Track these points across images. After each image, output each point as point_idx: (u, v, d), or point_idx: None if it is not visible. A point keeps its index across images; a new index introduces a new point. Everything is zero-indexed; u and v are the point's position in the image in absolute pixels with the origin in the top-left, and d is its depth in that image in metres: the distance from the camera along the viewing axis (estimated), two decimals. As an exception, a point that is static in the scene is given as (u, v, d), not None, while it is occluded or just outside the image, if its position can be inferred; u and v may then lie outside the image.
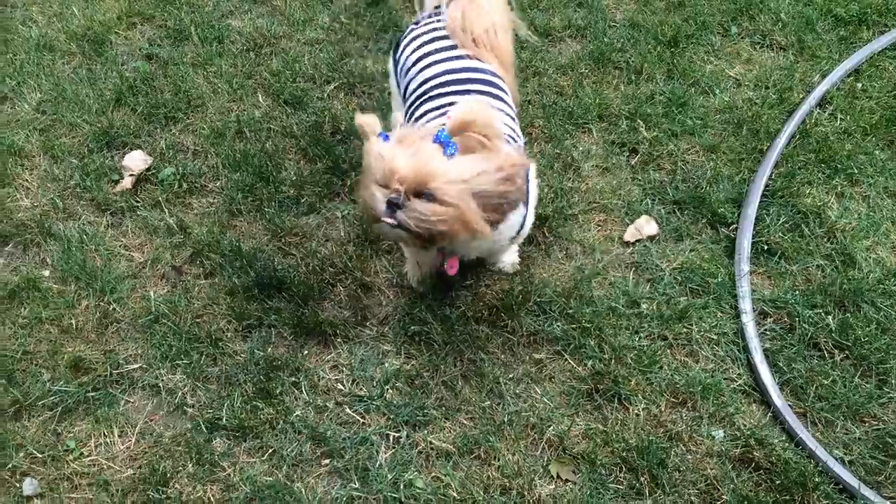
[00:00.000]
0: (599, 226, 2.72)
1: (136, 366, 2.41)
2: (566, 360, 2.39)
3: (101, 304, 2.55)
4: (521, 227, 2.32)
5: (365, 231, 2.69)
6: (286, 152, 2.97)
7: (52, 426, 2.28)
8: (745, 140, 2.89)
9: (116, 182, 2.90)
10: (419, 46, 2.44)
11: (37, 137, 3.05)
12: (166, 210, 2.80)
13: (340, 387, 2.35)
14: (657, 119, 2.96)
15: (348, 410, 2.30)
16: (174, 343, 2.43)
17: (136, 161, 2.92)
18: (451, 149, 1.93)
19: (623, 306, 2.47)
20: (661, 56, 3.17)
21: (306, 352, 2.43)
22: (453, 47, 2.40)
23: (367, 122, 1.99)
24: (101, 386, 2.37)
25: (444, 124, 1.98)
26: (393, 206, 1.92)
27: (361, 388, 2.34)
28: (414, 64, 2.42)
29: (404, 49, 2.48)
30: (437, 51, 2.41)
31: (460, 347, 2.41)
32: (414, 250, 2.41)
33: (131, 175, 2.88)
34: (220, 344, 2.44)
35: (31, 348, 2.45)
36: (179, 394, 2.34)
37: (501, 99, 2.37)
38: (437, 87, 2.38)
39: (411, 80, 2.44)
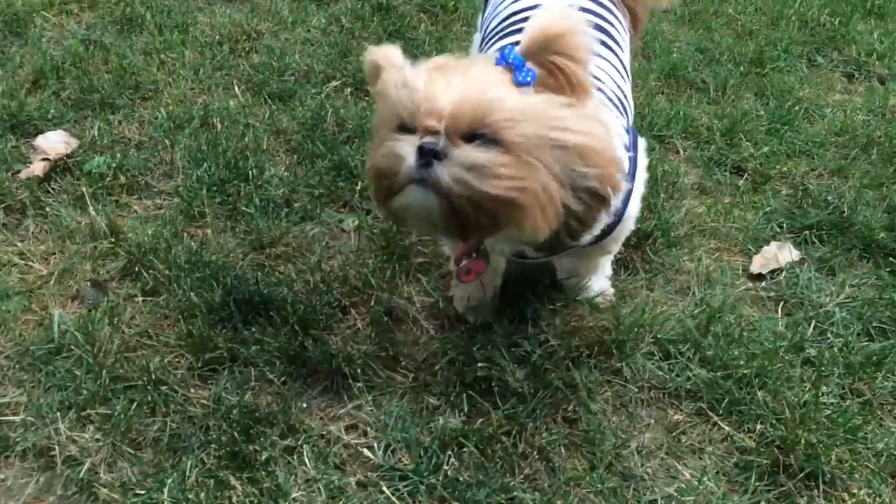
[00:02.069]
0: (712, 253, 1.96)
1: (15, 418, 1.43)
2: (716, 423, 1.53)
3: (-30, 328, 1.59)
4: (618, 222, 1.48)
5: (388, 241, 1.84)
6: (273, 151, 2.14)
7: None
8: (877, 164, 2.24)
9: (18, 171, 2.00)
10: None
11: (-90, 118, 2.15)
12: (91, 207, 1.90)
13: (368, 455, 1.41)
14: (761, 137, 2.30)
15: (385, 491, 1.35)
16: (86, 385, 1.47)
17: (52, 143, 2.04)
18: (524, 74, 1.21)
19: (783, 351, 1.66)
20: (746, 77, 2.57)
21: (305, 403, 1.50)
22: None
23: (384, 54, 1.30)
24: (-51, 450, 1.37)
25: (515, 42, 1.26)
26: (428, 156, 1.17)
27: (401, 458, 1.42)
28: None
29: None
30: None
31: (553, 399, 1.53)
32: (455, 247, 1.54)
33: (44, 159, 1.99)
34: (164, 388, 1.49)
35: None
36: (87, 464, 1.35)
37: (608, 47, 1.65)
38: (522, 21, 1.64)
39: (496, 14, 1.71)
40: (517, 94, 1.20)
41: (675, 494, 1.40)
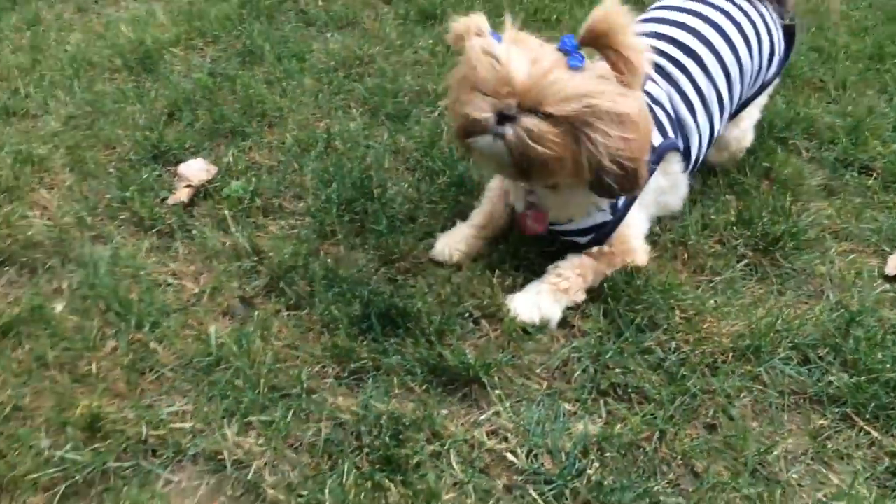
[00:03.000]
0: (845, 256, 1.93)
1: (185, 425, 1.54)
2: (863, 429, 1.51)
3: (136, 343, 1.72)
4: (617, 222, 1.80)
5: (515, 253, 1.89)
6: (394, 169, 2.23)
7: (44, 516, 1.39)
8: None
9: (165, 198, 2.14)
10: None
11: (63, 152, 2.33)
12: (234, 229, 2.02)
13: (512, 459, 1.46)
14: (889, 135, 2.24)
15: (532, 493, 1.39)
16: (246, 394, 1.57)
17: (195, 170, 2.18)
18: (575, 60, 1.53)
19: (927, 353, 1.62)
20: (866, 73, 2.51)
21: (446, 410, 1.57)
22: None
23: (471, 22, 1.60)
24: (130, 455, 1.48)
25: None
26: (504, 118, 1.54)
27: (544, 463, 1.45)
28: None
29: None
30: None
31: (692, 405, 1.54)
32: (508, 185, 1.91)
33: (188, 186, 2.13)
34: (315, 396, 1.58)
35: (25, 402, 1.59)
36: (254, 467, 1.45)
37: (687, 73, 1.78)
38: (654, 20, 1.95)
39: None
40: (570, 76, 1.51)
41: (825, 500, 1.39)
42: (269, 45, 2.81)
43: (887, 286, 1.84)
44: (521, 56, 1.52)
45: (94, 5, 3.25)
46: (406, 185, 2.14)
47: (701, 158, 1.93)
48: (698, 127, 1.87)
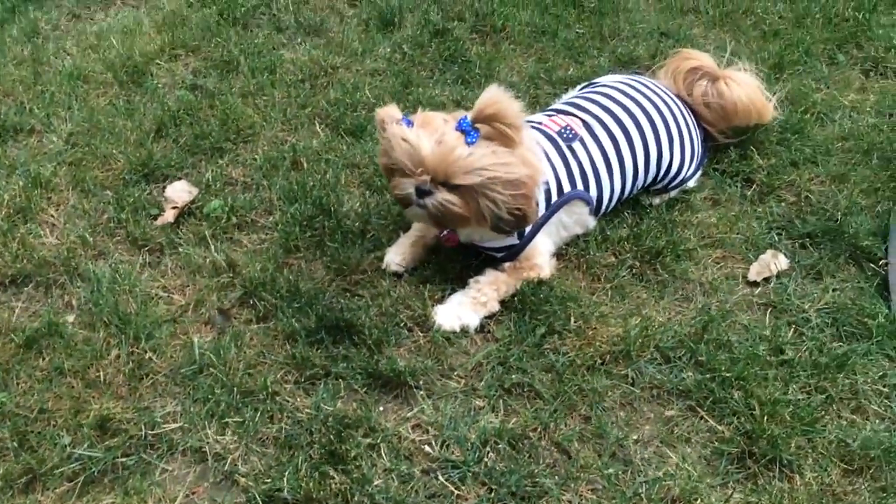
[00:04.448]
0: (718, 263, 2.32)
1: (175, 425, 1.98)
2: (703, 417, 1.94)
3: (135, 352, 2.14)
4: (524, 245, 2.22)
5: (443, 268, 2.29)
6: (349, 184, 2.61)
7: (71, 500, 1.84)
8: (876, 168, 2.51)
9: (156, 216, 2.53)
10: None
11: (66, 170, 2.70)
12: (212, 246, 2.42)
13: (428, 450, 1.90)
14: (771, 147, 2.60)
15: (440, 478, 1.85)
16: (223, 398, 2.00)
17: (179, 192, 2.57)
18: (472, 137, 1.96)
19: (765, 353, 2.04)
20: (766, 82, 2.83)
21: (382, 408, 2.00)
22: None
23: (387, 112, 2.06)
24: (133, 450, 1.93)
25: (467, 112, 2.00)
26: (422, 193, 2.01)
27: (453, 452, 1.90)
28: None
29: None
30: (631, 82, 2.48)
31: (572, 401, 1.98)
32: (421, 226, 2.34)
33: (174, 207, 2.52)
34: (279, 398, 2.01)
35: (49, 406, 2.02)
36: (229, 459, 1.90)
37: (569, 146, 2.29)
38: (581, 98, 2.42)
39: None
40: (469, 152, 1.95)
41: (662, 477, 1.83)
42: (244, 56, 3.13)
43: (747, 290, 2.24)
44: (428, 139, 1.96)
45: (87, 10, 3.54)
46: (357, 203, 2.52)
47: (609, 208, 2.35)
48: (612, 185, 2.29)
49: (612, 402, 1.99)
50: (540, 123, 2.31)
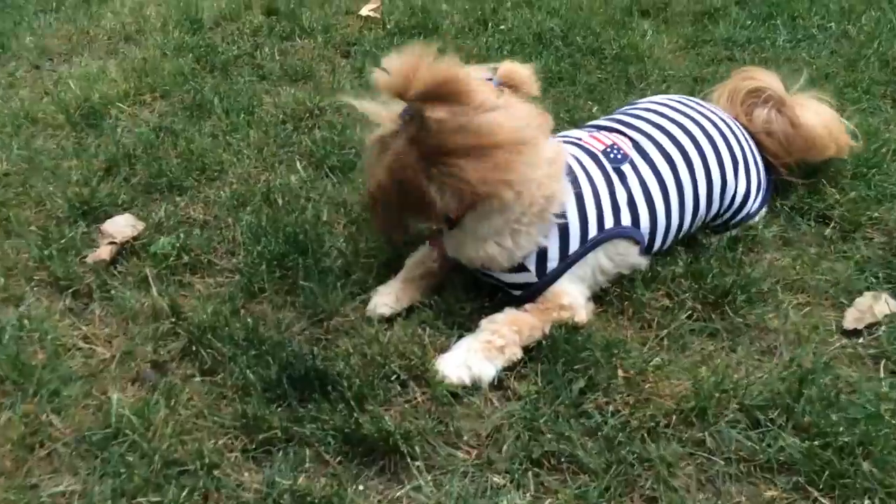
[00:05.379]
0: (801, 309, 1.80)
1: (68, 508, 1.39)
2: (816, 499, 1.37)
3: (32, 415, 1.58)
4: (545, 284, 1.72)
5: (449, 309, 1.77)
6: (334, 223, 2.12)
7: None
8: (979, 203, 2.05)
9: (86, 257, 2.03)
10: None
11: (-11, 211, 2.23)
12: (154, 288, 1.90)
13: (427, 543, 1.31)
14: (846, 182, 2.14)
15: (445, 584, 1.25)
16: (139, 471, 1.43)
17: (120, 227, 2.08)
18: None
19: (888, 414, 1.48)
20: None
21: (362, 486, 1.42)
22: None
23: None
24: (3, 542, 1.34)
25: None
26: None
27: (463, 547, 1.31)
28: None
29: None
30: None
31: (630, 475, 1.40)
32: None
33: (111, 243, 2.02)
34: (217, 472, 1.44)
35: None
36: (136, 554, 1.30)
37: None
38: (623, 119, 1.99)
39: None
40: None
41: (774, 584, 1.24)
42: (219, 98, 2.73)
43: (845, 341, 1.71)
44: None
45: (49, 63, 3.19)
46: (342, 240, 2.03)
47: (664, 247, 1.86)
48: (669, 217, 1.82)
49: (686, 478, 1.41)
50: (579, 140, 1.86)
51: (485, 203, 1.61)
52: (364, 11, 3.32)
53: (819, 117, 2.06)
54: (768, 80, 2.09)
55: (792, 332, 1.73)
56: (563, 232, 1.70)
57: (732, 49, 2.93)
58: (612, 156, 1.80)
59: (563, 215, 1.68)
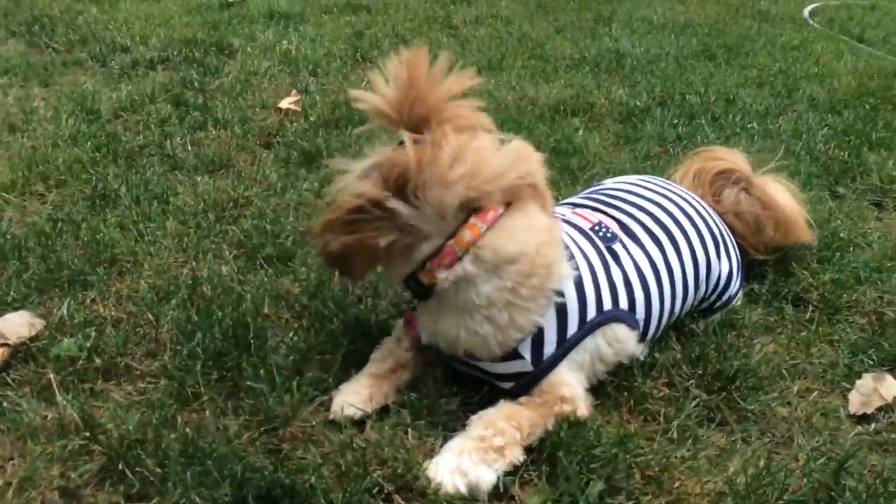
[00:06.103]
0: (804, 395, 1.67)
1: None
2: None
3: None
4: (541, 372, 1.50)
5: (431, 408, 1.52)
6: (276, 317, 1.85)
7: None
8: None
9: (-29, 362, 1.65)
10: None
11: None
12: (60, 398, 1.54)
13: None
14: (815, 267, 2.08)
15: None
16: None
17: (14, 325, 1.71)
18: None
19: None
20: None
21: None
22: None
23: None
24: None
25: None
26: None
27: None
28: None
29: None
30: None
31: None
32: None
33: (3, 345, 1.65)
34: None
35: None
36: None
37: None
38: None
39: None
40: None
41: None
42: (126, 187, 2.43)
43: (860, 428, 1.58)
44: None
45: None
46: (291, 334, 1.76)
47: (657, 334, 1.71)
48: (662, 301, 1.66)
49: None
50: (563, 215, 1.70)
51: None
52: (284, 104, 3.14)
53: (790, 200, 2.02)
54: (735, 159, 2.05)
55: (802, 420, 1.59)
56: (561, 312, 1.51)
57: (665, 145, 2.93)
58: (601, 234, 1.65)
59: (561, 293, 1.49)
